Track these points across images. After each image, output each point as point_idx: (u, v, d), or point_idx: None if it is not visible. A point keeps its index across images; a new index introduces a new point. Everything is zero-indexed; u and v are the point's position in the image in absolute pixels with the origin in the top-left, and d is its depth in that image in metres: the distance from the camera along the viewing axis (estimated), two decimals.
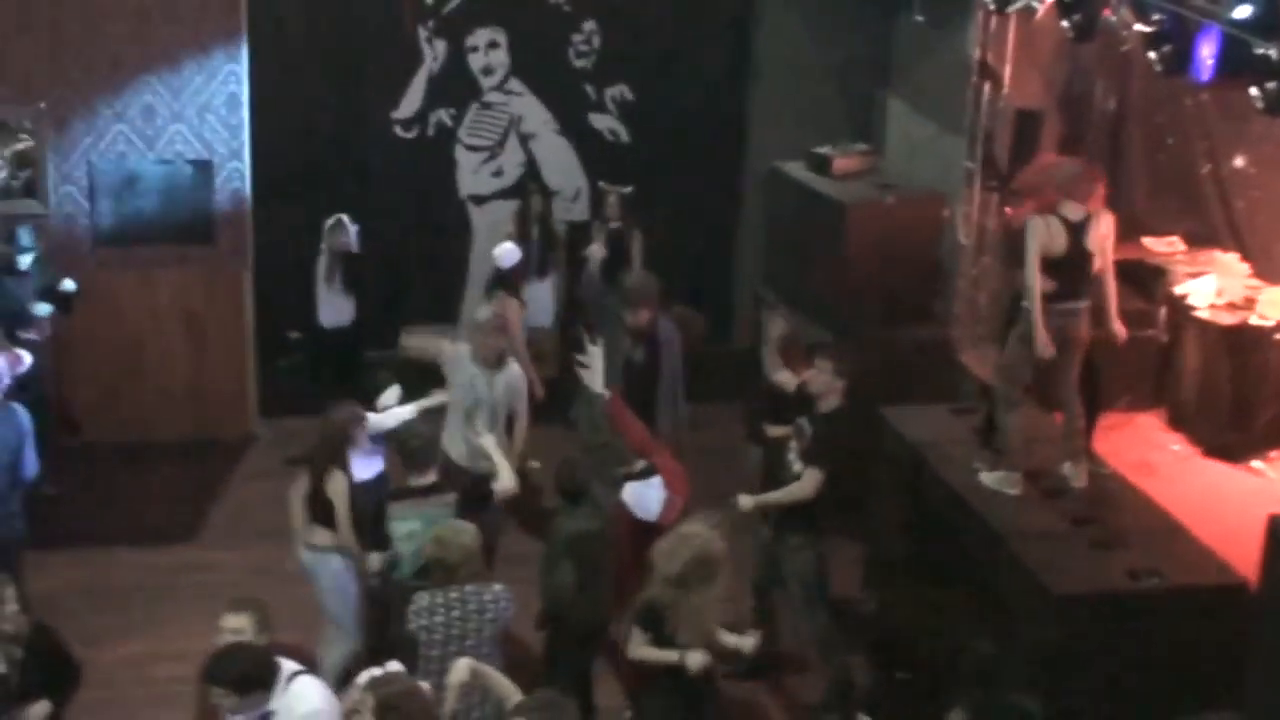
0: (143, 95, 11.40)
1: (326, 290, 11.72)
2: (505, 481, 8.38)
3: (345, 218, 11.66)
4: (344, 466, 8.22)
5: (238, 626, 6.59)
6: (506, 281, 11.06)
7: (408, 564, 7.87)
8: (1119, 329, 8.73)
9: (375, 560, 8.06)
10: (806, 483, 8.35)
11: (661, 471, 8.44)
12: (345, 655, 8.27)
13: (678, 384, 9.43)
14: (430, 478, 8.05)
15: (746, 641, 7.40)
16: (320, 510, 8.19)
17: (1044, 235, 8.31)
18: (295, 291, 12.01)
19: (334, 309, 11.76)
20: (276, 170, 12.08)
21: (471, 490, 8.27)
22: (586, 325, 10.70)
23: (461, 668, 6.52)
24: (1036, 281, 8.34)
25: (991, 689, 6.68)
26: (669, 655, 7.19)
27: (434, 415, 9.20)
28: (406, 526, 7.88)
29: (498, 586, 7.22)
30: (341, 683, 7.40)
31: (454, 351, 9.23)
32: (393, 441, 8.79)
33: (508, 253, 11.13)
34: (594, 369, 9.15)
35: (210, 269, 11.75)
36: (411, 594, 7.19)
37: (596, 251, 11.88)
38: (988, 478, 8.74)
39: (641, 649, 7.27)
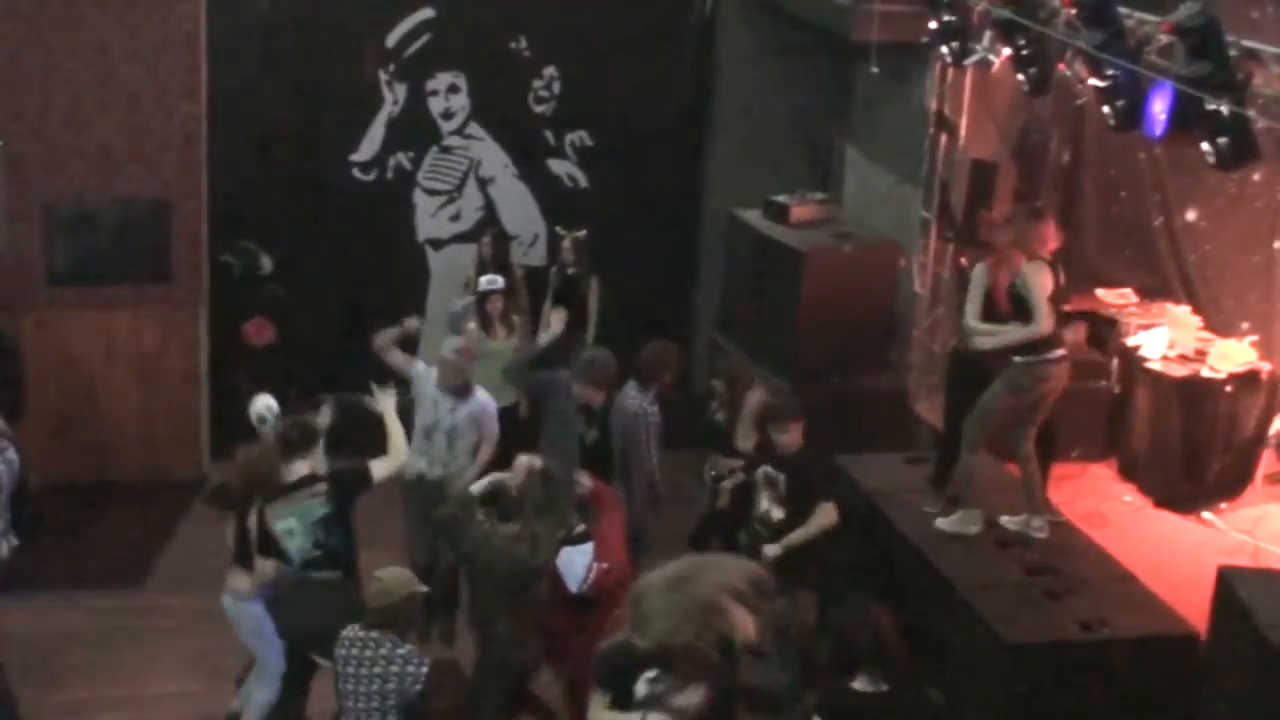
0: (100, 133, 11.36)
1: None
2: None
3: None
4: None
5: None
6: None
7: (296, 557, 7.78)
8: None
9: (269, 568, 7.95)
10: (826, 514, 8.40)
11: (596, 538, 8.25)
12: (270, 699, 8.19)
13: (636, 459, 9.30)
14: (302, 471, 7.84)
15: None
16: (245, 551, 8.02)
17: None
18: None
19: None
20: (234, 210, 12.03)
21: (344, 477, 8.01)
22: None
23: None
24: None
25: None
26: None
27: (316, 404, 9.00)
28: (283, 525, 7.75)
29: (409, 648, 6.91)
30: None
31: (423, 372, 9.47)
32: (275, 431, 8.33)
33: (489, 281, 11.03)
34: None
35: (165, 309, 11.68)
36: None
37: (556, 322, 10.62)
38: (945, 521, 8.76)
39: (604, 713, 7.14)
